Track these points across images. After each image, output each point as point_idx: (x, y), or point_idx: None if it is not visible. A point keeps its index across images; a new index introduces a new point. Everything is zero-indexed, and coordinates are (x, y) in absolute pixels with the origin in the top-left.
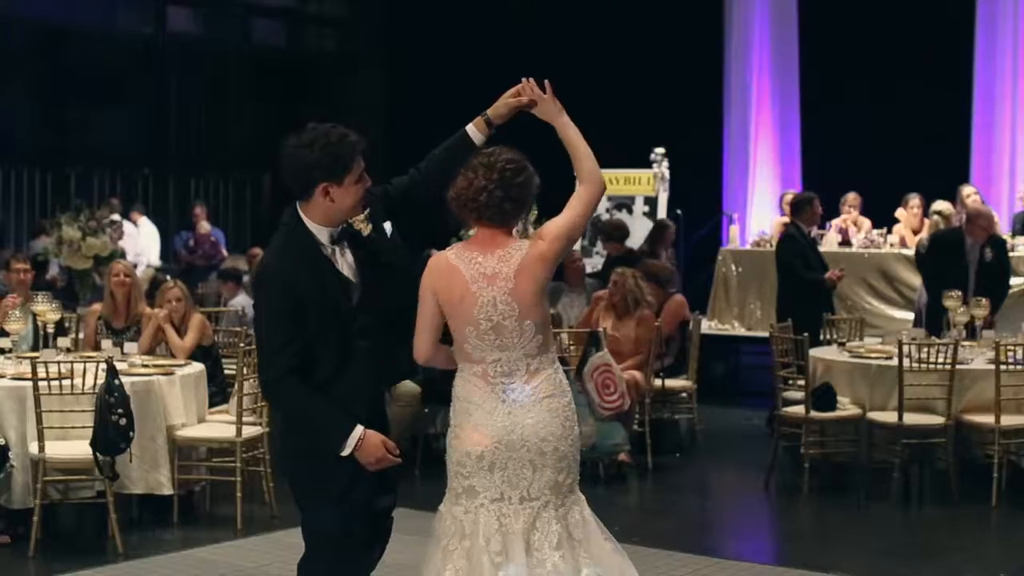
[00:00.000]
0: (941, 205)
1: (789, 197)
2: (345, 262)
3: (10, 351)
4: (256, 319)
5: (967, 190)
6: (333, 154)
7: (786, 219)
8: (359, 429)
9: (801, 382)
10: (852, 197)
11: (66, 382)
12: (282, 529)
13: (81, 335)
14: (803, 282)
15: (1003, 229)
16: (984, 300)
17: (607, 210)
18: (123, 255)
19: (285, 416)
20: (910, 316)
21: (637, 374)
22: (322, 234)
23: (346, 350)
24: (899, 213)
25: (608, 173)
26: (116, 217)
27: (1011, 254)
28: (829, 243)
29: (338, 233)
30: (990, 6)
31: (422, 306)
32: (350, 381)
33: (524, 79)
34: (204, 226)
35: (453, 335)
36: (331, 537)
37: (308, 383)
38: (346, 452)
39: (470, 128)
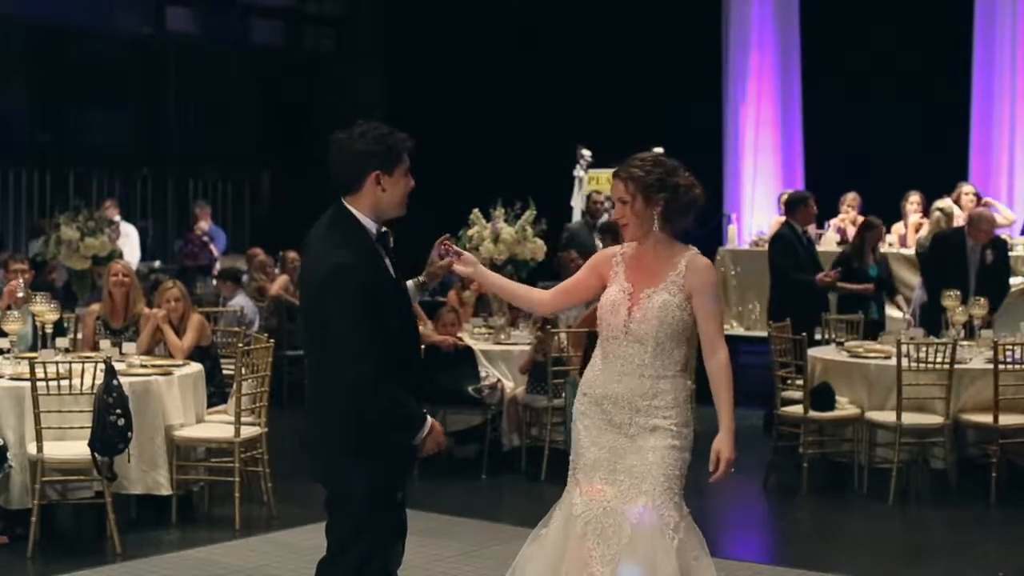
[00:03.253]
0: (943, 203)
1: (786, 197)
2: (388, 262)
3: (9, 351)
4: (331, 314)
5: (965, 188)
6: (385, 144)
7: (784, 219)
8: (429, 421)
9: (800, 382)
10: (851, 197)
11: (64, 382)
12: (280, 529)
13: (79, 335)
14: (793, 283)
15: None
16: (983, 300)
17: (606, 210)
18: (121, 255)
19: (369, 411)
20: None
21: None
22: (371, 228)
23: (404, 345)
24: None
25: (607, 173)
26: (117, 218)
27: (1011, 254)
28: (828, 242)
29: (380, 232)
30: (988, 6)
31: (720, 298)
32: (408, 375)
33: (441, 240)
34: (202, 226)
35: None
36: (368, 531)
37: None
38: (417, 441)
39: (409, 284)
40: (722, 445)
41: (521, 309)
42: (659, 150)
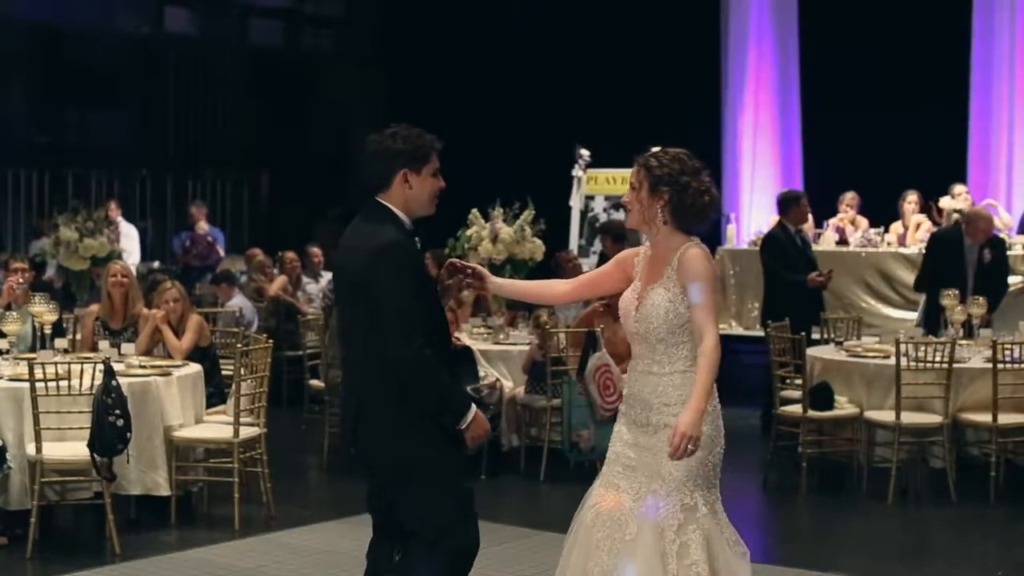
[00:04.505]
0: (957, 204)
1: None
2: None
3: (8, 352)
4: (384, 291)
5: (958, 189)
6: (415, 144)
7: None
8: (474, 407)
9: (799, 381)
10: (850, 196)
11: (63, 383)
12: (280, 530)
13: (79, 336)
14: (785, 283)
15: (1012, 224)
16: (981, 299)
17: (604, 210)
18: (120, 256)
19: (419, 389)
20: (907, 315)
21: None
22: (405, 221)
23: (440, 335)
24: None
25: (606, 172)
26: (119, 219)
27: (1009, 253)
28: (826, 242)
29: (410, 230)
30: (987, 9)
31: (716, 293)
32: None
33: (449, 262)
34: (202, 226)
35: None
36: (453, 517)
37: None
38: (463, 425)
39: None
40: (682, 420)
41: (519, 310)
42: (656, 149)
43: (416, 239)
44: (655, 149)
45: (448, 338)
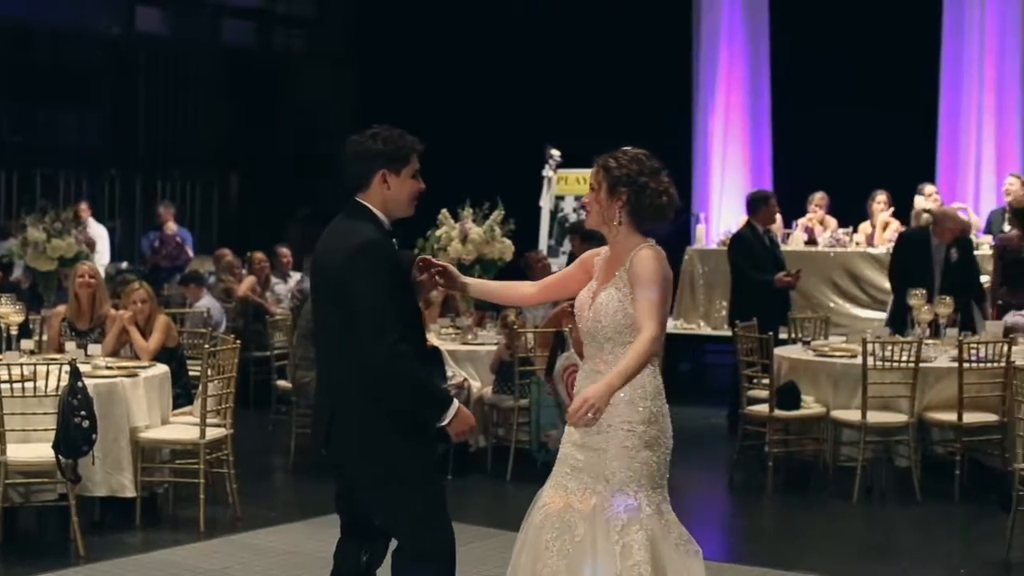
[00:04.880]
0: (927, 204)
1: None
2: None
3: None
4: (360, 289)
5: (928, 188)
6: (394, 145)
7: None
8: (456, 402)
9: (766, 381)
10: (819, 196)
11: (29, 384)
12: (245, 531)
13: (45, 337)
14: (753, 283)
15: (980, 225)
16: (948, 299)
17: (574, 210)
18: (88, 257)
19: (396, 385)
20: (875, 315)
21: None
22: (384, 221)
23: (416, 334)
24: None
25: (577, 173)
26: (90, 219)
27: (977, 252)
28: (795, 242)
29: (388, 230)
30: (957, 9)
31: (664, 293)
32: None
33: (420, 258)
34: (171, 227)
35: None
36: (430, 516)
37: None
38: (445, 422)
39: None
40: (591, 388)
41: (487, 310)
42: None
43: (393, 239)
44: (617, 151)
45: (424, 338)
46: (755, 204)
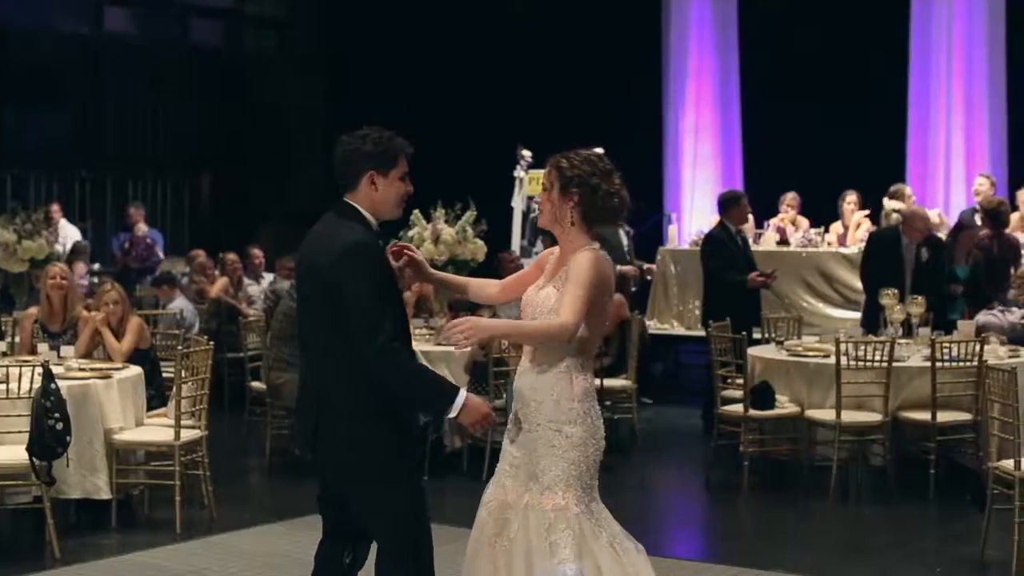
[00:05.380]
0: (898, 204)
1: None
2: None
3: None
4: (350, 290)
5: (907, 191)
6: (383, 147)
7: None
8: (463, 391)
9: (740, 381)
10: (791, 197)
11: (1, 387)
12: (221, 532)
13: (17, 339)
14: (725, 284)
15: (949, 224)
16: (920, 298)
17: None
18: (59, 258)
19: (398, 383)
20: (848, 315)
21: None
22: (371, 221)
23: (404, 334)
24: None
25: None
26: (62, 221)
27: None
28: (767, 242)
29: (375, 231)
30: (925, 8)
31: (591, 294)
32: None
33: (392, 244)
34: (141, 228)
35: (590, 332)
36: (412, 516)
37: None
38: (453, 414)
39: None
40: (483, 320)
41: (461, 311)
42: (599, 150)
43: (380, 240)
44: (570, 151)
45: (410, 338)
46: (727, 204)
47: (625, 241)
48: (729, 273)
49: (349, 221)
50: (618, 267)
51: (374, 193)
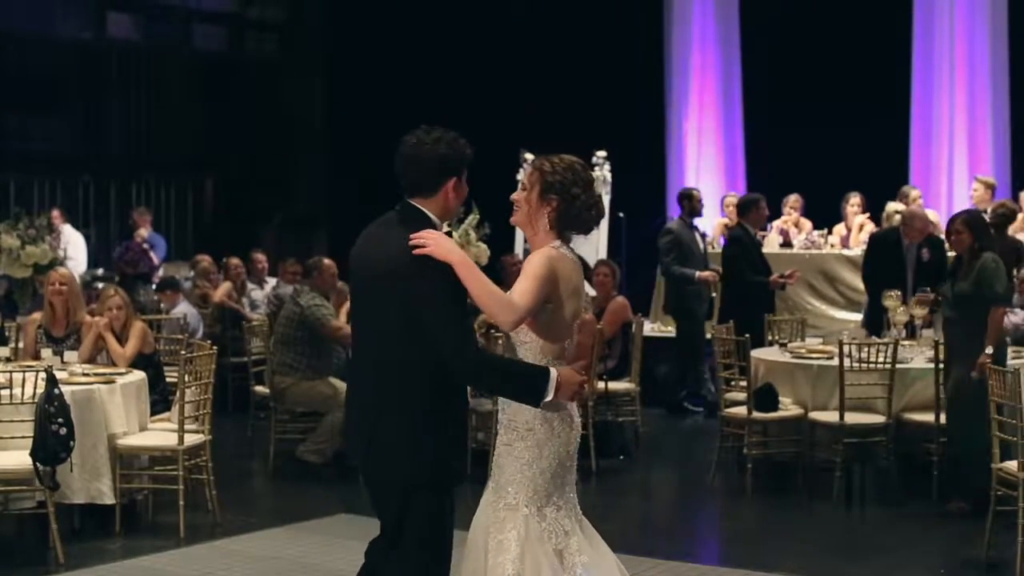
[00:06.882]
0: (899, 206)
1: (730, 199)
2: None
3: None
4: (434, 299)
5: (913, 194)
6: (459, 150)
7: (727, 221)
8: (553, 370)
9: (743, 383)
10: (794, 199)
11: (5, 392)
12: (225, 537)
13: (21, 344)
14: (747, 284)
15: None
16: (928, 290)
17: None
18: (63, 263)
19: (492, 384)
20: (851, 316)
21: None
22: (439, 226)
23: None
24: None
25: None
26: (67, 227)
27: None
28: (771, 244)
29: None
30: (927, 10)
31: (539, 286)
32: None
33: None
34: (141, 233)
35: (555, 335)
36: (446, 527)
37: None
38: (550, 396)
39: None
40: (445, 238)
41: None
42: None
43: None
44: (554, 156)
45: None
46: (746, 207)
47: (701, 246)
48: (753, 275)
49: (419, 227)
50: (696, 273)
51: (452, 198)
